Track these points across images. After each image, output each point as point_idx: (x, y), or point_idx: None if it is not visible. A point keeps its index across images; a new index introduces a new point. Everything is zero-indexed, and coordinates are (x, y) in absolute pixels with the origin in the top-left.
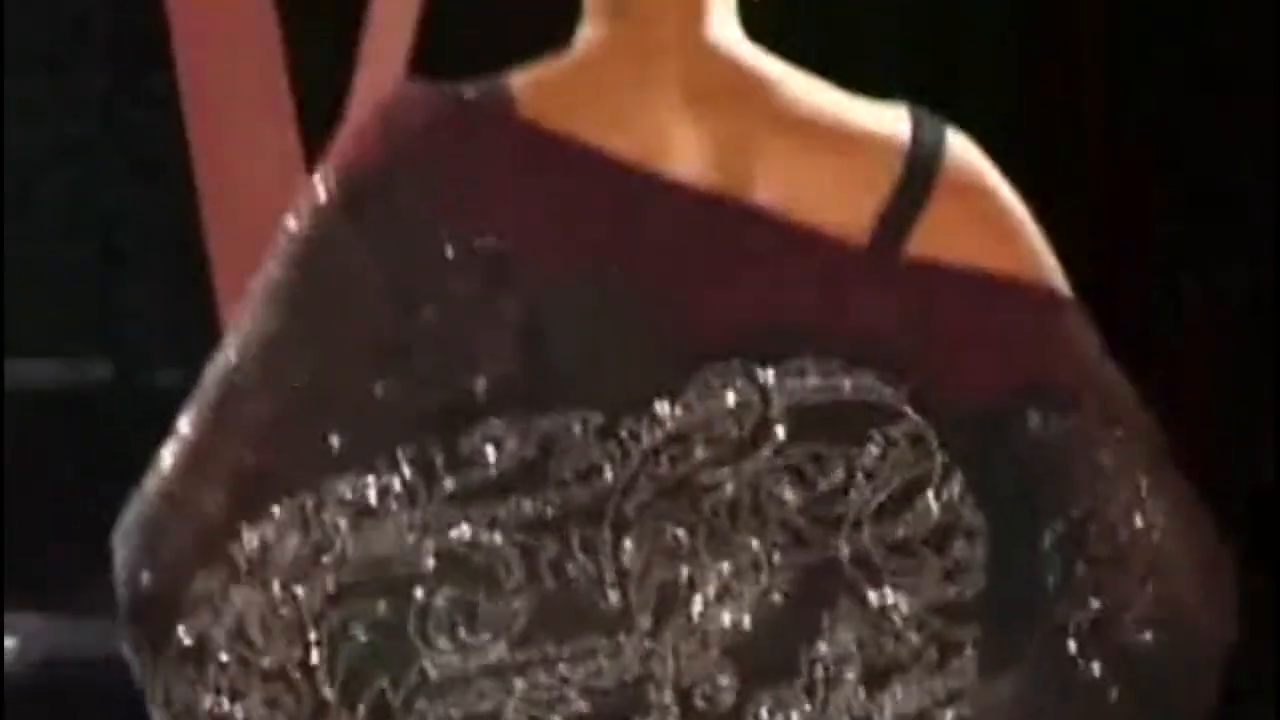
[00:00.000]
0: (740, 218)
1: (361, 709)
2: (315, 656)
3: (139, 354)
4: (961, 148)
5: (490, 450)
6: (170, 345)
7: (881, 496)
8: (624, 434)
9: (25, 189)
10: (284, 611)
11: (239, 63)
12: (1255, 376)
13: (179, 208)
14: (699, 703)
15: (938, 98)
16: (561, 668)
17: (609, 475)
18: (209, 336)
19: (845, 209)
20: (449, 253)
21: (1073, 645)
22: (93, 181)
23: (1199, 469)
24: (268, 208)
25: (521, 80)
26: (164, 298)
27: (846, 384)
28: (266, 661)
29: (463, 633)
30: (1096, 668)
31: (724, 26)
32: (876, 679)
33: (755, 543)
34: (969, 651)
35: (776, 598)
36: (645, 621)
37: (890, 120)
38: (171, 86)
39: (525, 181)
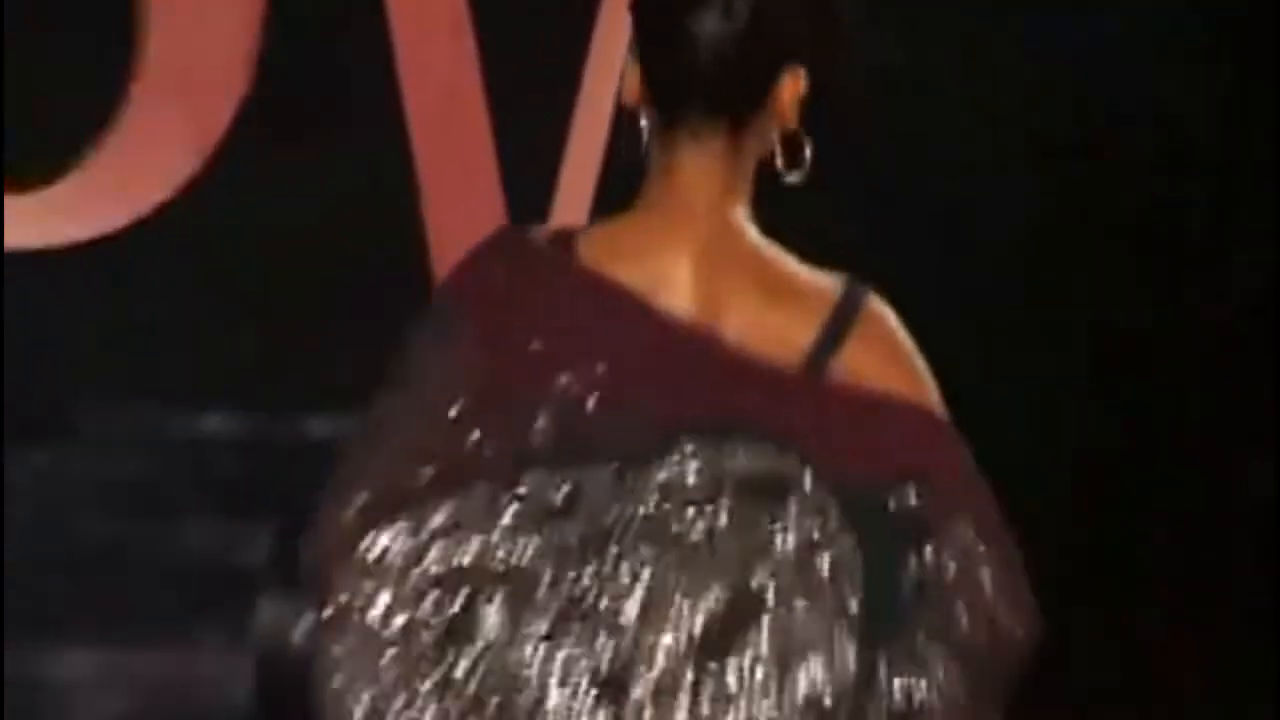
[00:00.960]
0: (709, 344)
1: (446, 666)
2: (417, 628)
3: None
4: (878, 305)
5: (539, 491)
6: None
7: (794, 539)
8: (628, 483)
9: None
10: (395, 593)
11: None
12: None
13: None
14: (666, 676)
15: None
16: (575, 647)
17: (615, 512)
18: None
19: (787, 340)
20: (535, 346)
21: (921, 637)
22: None
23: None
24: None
25: (584, 230)
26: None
27: (776, 463)
28: (384, 631)
29: (512, 619)
30: (938, 652)
31: (738, 209)
32: (784, 658)
33: (709, 568)
34: (852, 639)
35: (720, 607)
36: (633, 616)
37: (829, 283)
38: None
39: (571, 304)
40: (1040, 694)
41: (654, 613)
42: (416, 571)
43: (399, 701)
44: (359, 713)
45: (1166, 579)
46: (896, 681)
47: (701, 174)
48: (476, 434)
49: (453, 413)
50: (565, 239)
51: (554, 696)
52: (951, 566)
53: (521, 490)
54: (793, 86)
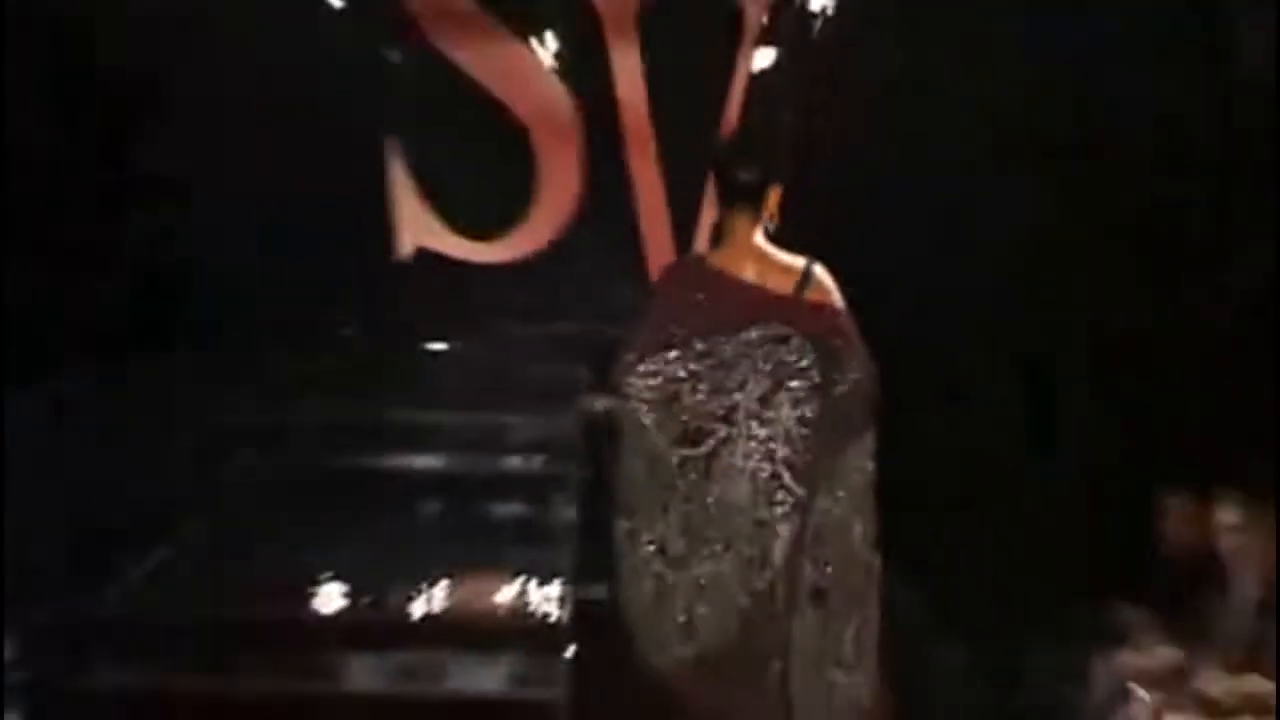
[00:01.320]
0: (760, 290)
1: (670, 403)
2: (662, 395)
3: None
4: (821, 268)
5: (700, 347)
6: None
7: (792, 358)
8: (727, 343)
9: None
10: (647, 386)
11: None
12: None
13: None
14: (747, 413)
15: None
16: (714, 401)
17: (725, 353)
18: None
19: (786, 286)
20: (690, 298)
21: (836, 391)
22: None
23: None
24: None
25: (708, 251)
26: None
27: (784, 330)
28: (647, 395)
29: (693, 393)
30: (844, 392)
31: (759, 237)
32: (794, 404)
33: (757, 376)
34: (816, 397)
35: (767, 386)
36: (734, 391)
37: (801, 260)
38: None
39: (705, 282)
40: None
41: (741, 391)
42: (656, 378)
43: (668, 421)
44: (636, 417)
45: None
46: (818, 401)
47: (743, 228)
48: (674, 328)
49: (661, 318)
50: (701, 257)
51: (711, 416)
52: (844, 363)
53: (695, 348)
54: (775, 195)
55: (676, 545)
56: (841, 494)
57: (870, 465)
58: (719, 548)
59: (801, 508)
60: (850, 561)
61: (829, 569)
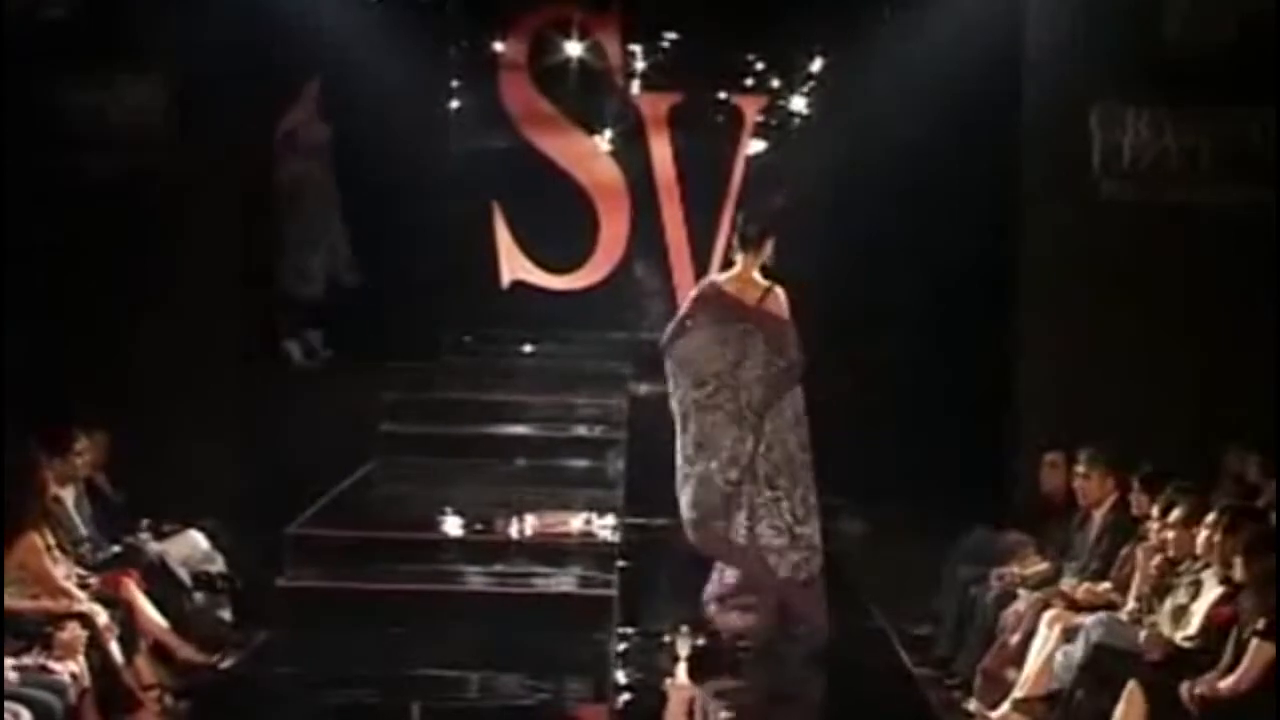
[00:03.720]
0: (745, 304)
1: (696, 361)
2: (696, 349)
3: None
4: (778, 288)
5: (710, 330)
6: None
7: (758, 341)
8: (727, 329)
9: None
10: (680, 344)
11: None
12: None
13: None
14: (729, 366)
15: None
16: (719, 357)
17: (727, 332)
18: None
19: (755, 299)
20: (706, 308)
21: (779, 358)
22: None
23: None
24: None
25: (722, 277)
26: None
27: (753, 326)
28: (685, 352)
29: (706, 354)
30: (784, 357)
31: (757, 271)
32: (755, 366)
33: (736, 350)
34: (767, 365)
35: (740, 353)
36: (721, 354)
37: (765, 281)
38: None
39: (717, 299)
40: None
41: (726, 359)
42: (685, 348)
43: (690, 373)
44: (686, 367)
45: None
46: (769, 368)
47: (747, 264)
48: (694, 321)
49: (690, 314)
50: (718, 282)
51: (709, 372)
52: (785, 348)
53: (705, 332)
54: (768, 245)
55: (690, 451)
56: (779, 421)
57: (799, 405)
58: (710, 452)
59: (757, 429)
60: (788, 460)
61: (775, 464)
